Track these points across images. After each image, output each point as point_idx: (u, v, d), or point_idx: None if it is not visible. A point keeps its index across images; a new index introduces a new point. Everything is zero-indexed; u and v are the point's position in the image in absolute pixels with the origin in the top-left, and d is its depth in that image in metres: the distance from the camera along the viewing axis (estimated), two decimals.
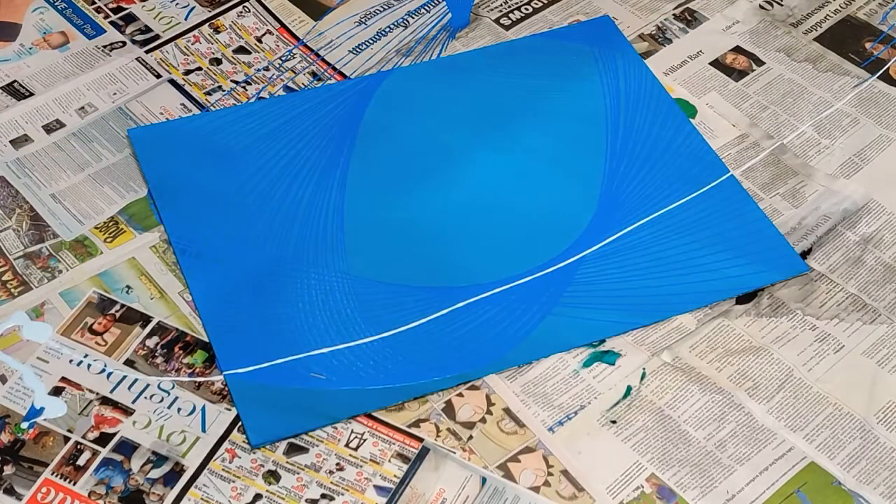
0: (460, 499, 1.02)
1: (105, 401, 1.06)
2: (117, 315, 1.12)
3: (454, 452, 1.04)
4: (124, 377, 1.07)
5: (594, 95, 1.32)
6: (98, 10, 1.40)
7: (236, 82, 1.33)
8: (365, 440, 1.05)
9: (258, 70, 1.35)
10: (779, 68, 1.37)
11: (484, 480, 1.03)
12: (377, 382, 1.07)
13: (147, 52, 1.35)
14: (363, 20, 1.41)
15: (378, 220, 1.20)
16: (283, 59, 1.36)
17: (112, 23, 1.38)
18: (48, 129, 1.27)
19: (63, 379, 1.07)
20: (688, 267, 1.17)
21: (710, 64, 1.37)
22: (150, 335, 1.10)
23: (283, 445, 1.04)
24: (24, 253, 1.16)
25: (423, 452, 1.04)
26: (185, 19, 1.39)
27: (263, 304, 1.13)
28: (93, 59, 1.34)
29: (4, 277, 1.14)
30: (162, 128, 1.27)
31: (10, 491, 1.00)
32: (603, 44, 1.38)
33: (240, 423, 1.05)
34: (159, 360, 1.09)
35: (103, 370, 1.08)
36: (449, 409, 1.07)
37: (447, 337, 1.11)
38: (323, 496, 1.01)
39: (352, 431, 1.05)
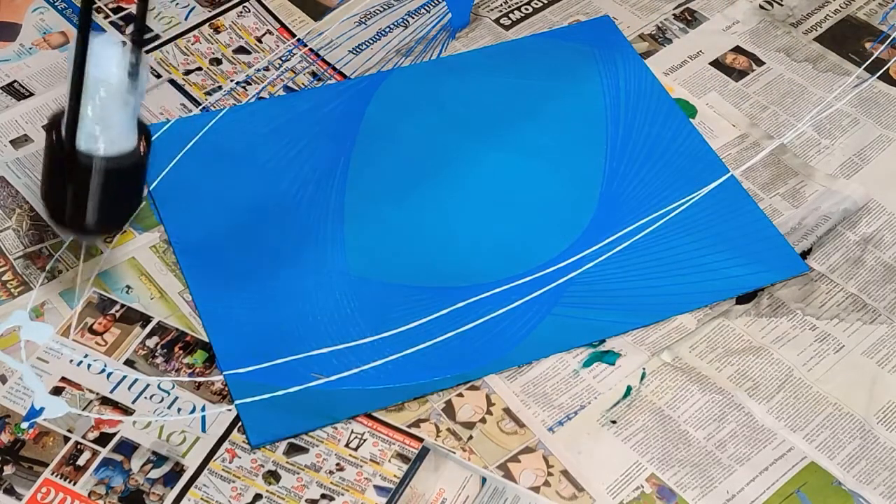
0: (460, 499, 1.02)
1: (105, 401, 1.06)
2: (117, 315, 1.12)
3: (454, 452, 1.04)
4: (124, 377, 1.07)
5: (594, 95, 1.32)
6: (98, 10, 1.40)
7: (236, 82, 1.33)
8: (365, 440, 1.05)
9: (258, 70, 1.35)
10: (779, 68, 1.37)
11: (484, 480, 1.03)
12: (377, 382, 1.08)
13: (147, 52, 1.35)
14: (363, 20, 1.41)
15: (378, 220, 1.20)
16: (283, 59, 1.36)
17: (112, 23, 1.39)
18: None
19: (63, 379, 1.07)
20: (688, 267, 1.17)
21: (710, 64, 1.37)
22: (150, 335, 1.10)
23: (283, 445, 1.04)
24: (24, 253, 1.16)
25: (423, 452, 1.04)
26: (185, 19, 1.39)
27: (263, 304, 1.13)
28: None
29: (4, 277, 1.14)
30: (162, 128, 1.27)
31: (10, 491, 1.00)
32: (603, 44, 1.38)
33: (240, 423, 1.05)
34: (159, 360, 1.09)
35: (103, 370, 1.08)
36: (449, 409, 1.07)
37: (447, 337, 1.11)
38: (323, 496, 1.01)
39: (352, 431, 1.05)
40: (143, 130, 1.00)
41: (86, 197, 0.97)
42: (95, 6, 1.40)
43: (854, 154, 1.29)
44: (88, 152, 0.96)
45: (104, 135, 0.96)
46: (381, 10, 1.42)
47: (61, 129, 0.97)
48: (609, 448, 1.05)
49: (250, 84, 1.33)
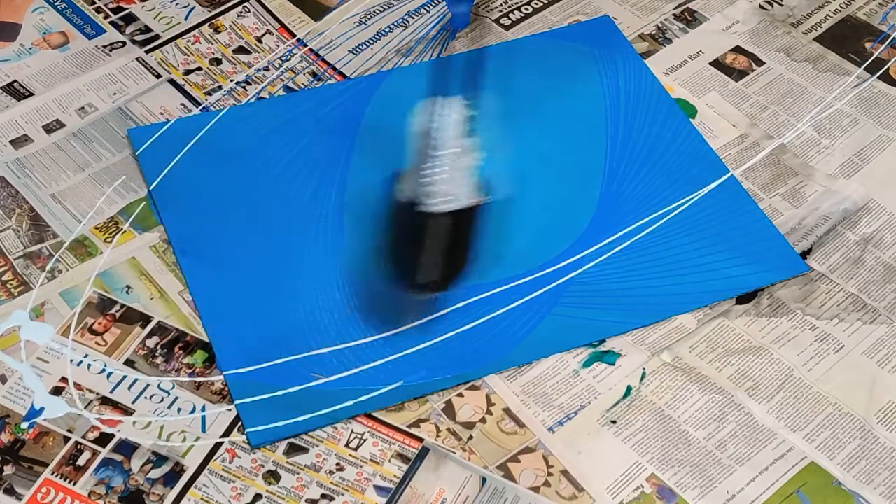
0: (460, 499, 1.02)
1: (105, 401, 1.06)
2: (117, 315, 1.12)
3: (454, 452, 1.04)
4: (124, 377, 1.07)
5: (594, 95, 1.32)
6: (98, 10, 1.40)
7: (236, 82, 1.33)
8: (365, 440, 1.05)
9: (258, 70, 1.35)
10: (779, 68, 1.37)
11: (484, 480, 1.03)
12: (377, 382, 1.07)
13: (147, 52, 1.35)
14: (363, 20, 1.41)
15: (378, 220, 1.20)
16: (283, 59, 1.36)
17: (112, 23, 1.39)
18: (48, 129, 1.27)
19: (63, 379, 1.07)
20: (688, 267, 1.17)
21: (710, 64, 1.37)
22: (150, 335, 1.11)
23: (283, 445, 1.04)
24: (24, 253, 1.16)
25: (423, 452, 1.04)
26: (185, 19, 1.39)
27: (263, 304, 1.13)
28: (93, 59, 1.34)
29: (4, 277, 1.14)
30: (162, 128, 1.27)
31: (10, 491, 1.00)
32: (603, 44, 1.38)
33: (240, 424, 1.05)
34: (159, 360, 1.09)
35: (103, 370, 1.08)
36: (449, 409, 1.07)
37: (447, 337, 1.11)
38: (323, 496, 1.01)
39: (352, 431, 1.05)
40: (480, 187, 1.02)
41: (427, 254, 1.01)
42: (95, 6, 1.40)
43: (854, 154, 1.29)
44: (434, 211, 1.00)
45: (447, 193, 1.00)
46: (381, 10, 1.42)
47: (400, 191, 1.02)
48: (609, 448, 1.05)
49: (250, 84, 1.33)
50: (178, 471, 1.02)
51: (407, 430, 1.05)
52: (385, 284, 1.06)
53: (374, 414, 1.06)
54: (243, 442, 1.04)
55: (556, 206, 1.22)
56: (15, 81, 1.32)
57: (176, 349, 1.10)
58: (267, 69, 1.35)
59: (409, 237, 1.02)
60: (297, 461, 1.03)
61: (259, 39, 1.38)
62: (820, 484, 1.03)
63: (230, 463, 1.03)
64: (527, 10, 1.43)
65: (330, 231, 1.19)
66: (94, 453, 1.02)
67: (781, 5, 1.44)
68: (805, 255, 1.20)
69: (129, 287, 1.14)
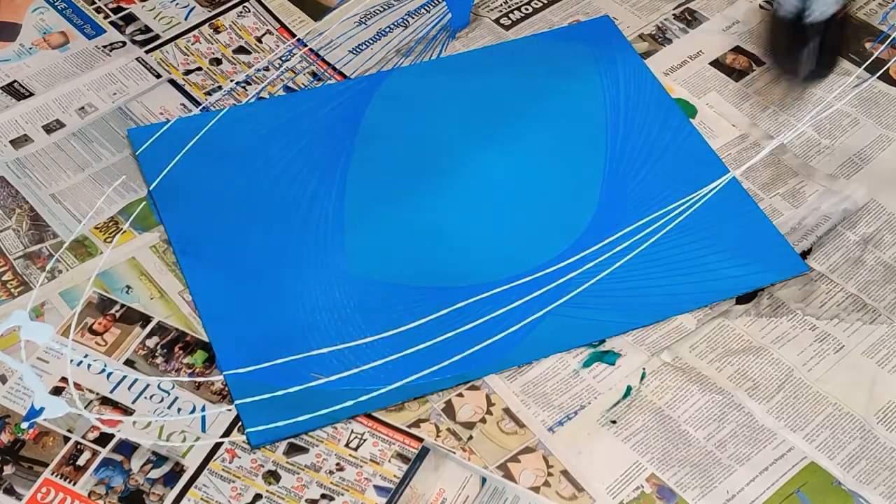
0: (460, 499, 1.02)
1: (105, 401, 1.06)
2: (117, 315, 1.12)
3: (454, 452, 1.04)
4: (124, 377, 1.07)
5: (594, 95, 1.32)
6: (98, 10, 1.40)
7: (236, 82, 1.33)
8: (365, 440, 1.05)
9: (258, 70, 1.35)
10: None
11: (484, 480, 1.03)
12: (377, 382, 1.07)
13: (147, 52, 1.35)
14: (363, 20, 1.41)
15: (378, 220, 1.20)
16: (283, 59, 1.36)
17: (112, 23, 1.39)
18: (48, 129, 1.27)
19: (63, 379, 1.07)
20: (688, 267, 1.17)
21: (710, 64, 1.37)
22: (150, 335, 1.11)
23: (283, 445, 1.04)
24: (24, 253, 1.16)
25: (423, 452, 1.04)
26: (185, 19, 1.39)
27: (263, 304, 1.13)
28: (93, 59, 1.34)
29: (4, 277, 1.14)
30: (162, 128, 1.27)
31: (10, 491, 1.00)
32: (603, 44, 1.38)
33: (240, 424, 1.05)
34: (159, 360, 1.09)
35: (103, 370, 1.08)
36: (449, 409, 1.07)
37: (447, 337, 1.11)
38: (323, 496, 1.01)
39: (352, 431, 1.05)
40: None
41: (807, 54, 1.25)
42: (95, 6, 1.40)
43: (854, 154, 1.29)
44: (812, 21, 1.22)
45: (822, 5, 1.21)
46: (381, 10, 1.42)
47: (783, 6, 1.24)
48: (609, 448, 1.05)
49: (250, 84, 1.33)
50: (178, 471, 1.02)
51: (407, 430, 1.05)
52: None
53: (374, 414, 1.06)
54: (243, 442, 1.04)
55: (557, 205, 1.22)
56: (15, 81, 1.32)
57: (176, 349, 1.10)
58: (267, 69, 1.35)
59: (792, 42, 1.25)
60: (297, 461, 1.03)
61: (259, 39, 1.38)
62: (820, 484, 1.03)
63: (230, 463, 1.03)
64: (527, 10, 1.43)
65: (330, 230, 1.19)
66: (94, 453, 1.02)
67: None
68: (805, 255, 1.20)
69: (129, 287, 1.14)
